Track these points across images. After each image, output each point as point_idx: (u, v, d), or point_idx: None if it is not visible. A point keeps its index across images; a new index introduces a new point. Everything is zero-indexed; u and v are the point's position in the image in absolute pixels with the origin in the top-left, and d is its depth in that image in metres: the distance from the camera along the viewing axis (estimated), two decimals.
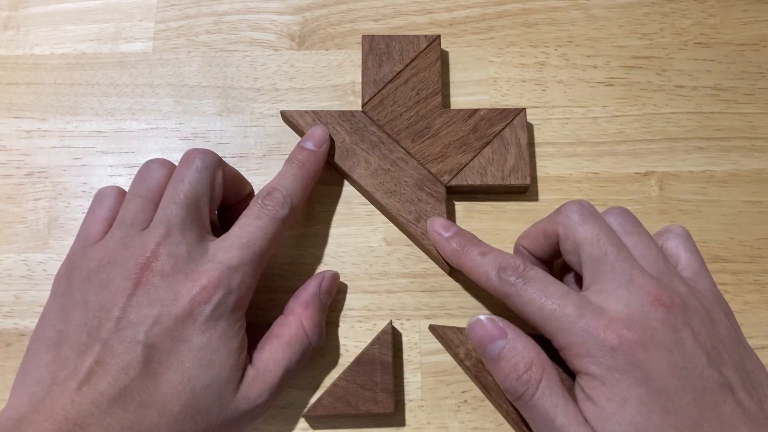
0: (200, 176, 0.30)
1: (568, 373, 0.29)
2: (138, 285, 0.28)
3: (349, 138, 0.36)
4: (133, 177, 0.37)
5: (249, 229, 0.30)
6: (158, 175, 0.31)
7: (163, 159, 0.32)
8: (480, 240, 0.32)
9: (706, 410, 0.25)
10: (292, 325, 0.31)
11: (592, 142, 0.38)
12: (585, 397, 0.27)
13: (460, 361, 0.33)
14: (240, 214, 0.31)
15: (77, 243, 0.31)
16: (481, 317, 0.30)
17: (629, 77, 0.39)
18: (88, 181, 0.37)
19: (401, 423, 0.33)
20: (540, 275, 0.29)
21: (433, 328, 0.34)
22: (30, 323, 0.35)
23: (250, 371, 0.29)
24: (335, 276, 0.34)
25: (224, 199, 0.33)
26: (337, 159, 0.36)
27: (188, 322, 0.28)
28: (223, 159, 0.37)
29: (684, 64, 0.39)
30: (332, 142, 0.35)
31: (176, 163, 0.32)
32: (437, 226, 0.33)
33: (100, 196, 0.32)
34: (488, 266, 0.30)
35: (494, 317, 0.30)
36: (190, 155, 0.31)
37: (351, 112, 0.36)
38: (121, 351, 0.27)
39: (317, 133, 0.35)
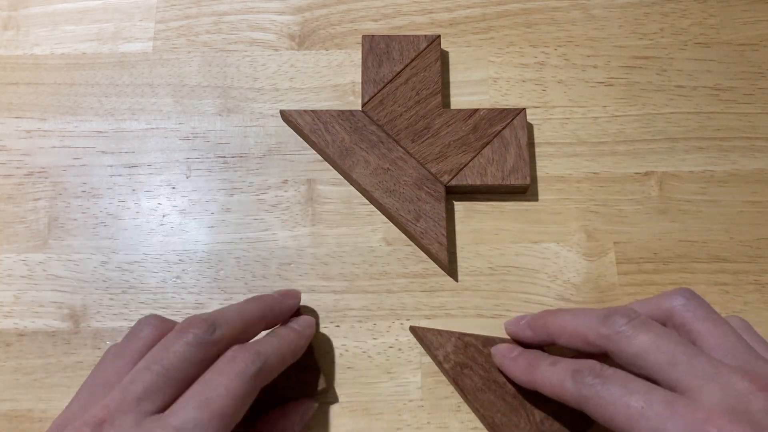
0: (189, 352, 0.27)
1: None
2: None
3: (349, 137, 0.36)
4: (132, 177, 0.37)
5: (210, 385, 0.26)
6: (144, 335, 0.29)
7: (155, 317, 0.30)
8: (547, 354, 0.30)
9: None
10: None
11: (592, 142, 0.38)
12: None
13: (439, 363, 0.33)
14: None
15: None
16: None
17: (629, 77, 0.39)
18: (88, 181, 0.37)
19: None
20: (619, 373, 0.26)
21: (413, 330, 0.34)
22: (30, 323, 0.35)
23: None
24: (314, 408, 0.32)
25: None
26: (337, 158, 0.36)
27: None
28: (222, 159, 0.36)
29: (684, 64, 0.39)
30: (317, 326, 0.34)
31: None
32: (502, 350, 0.31)
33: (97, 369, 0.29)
34: (562, 374, 0.27)
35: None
36: (186, 326, 0.28)
37: (350, 111, 0.36)
38: None
39: (305, 318, 0.33)
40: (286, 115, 0.36)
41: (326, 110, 0.36)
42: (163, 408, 0.26)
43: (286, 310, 0.33)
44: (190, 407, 0.25)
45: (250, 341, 0.29)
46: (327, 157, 0.36)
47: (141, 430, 0.25)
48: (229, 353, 0.27)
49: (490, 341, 0.33)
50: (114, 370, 0.27)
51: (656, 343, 0.26)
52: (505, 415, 0.31)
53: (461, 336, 0.33)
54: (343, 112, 0.36)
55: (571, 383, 0.27)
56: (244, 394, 0.26)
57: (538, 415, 0.31)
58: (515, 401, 0.31)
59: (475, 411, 0.32)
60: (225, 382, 0.26)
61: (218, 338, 0.28)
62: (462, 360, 0.32)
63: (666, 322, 0.28)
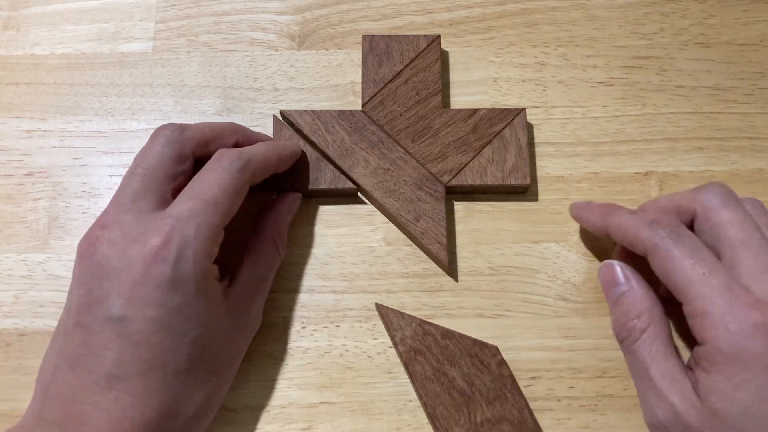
0: (163, 150, 0.30)
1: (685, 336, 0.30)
2: (90, 260, 0.28)
3: (349, 137, 0.36)
4: None
5: (201, 180, 0.29)
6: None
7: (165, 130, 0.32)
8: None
9: None
10: (265, 244, 0.33)
11: (592, 142, 0.38)
12: (702, 367, 0.27)
13: (395, 345, 0.33)
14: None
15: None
16: (614, 262, 0.31)
17: (629, 77, 0.39)
18: (88, 181, 0.37)
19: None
20: (694, 239, 0.28)
21: (378, 307, 0.34)
22: (30, 323, 0.35)
23: (235, 292, 0.30)
24: (299, 197, 0.35)
25: (208, 157, 0.32)
26: (337, 158, 0.36)
27: (149, 285, 0.27)
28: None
29: (684, 64, 0.39)
30: (307, 174, 0.35)
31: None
32: (581, 202, 0.34)
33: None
34: (639, 221, 0.29)
35: (624, 265, 0.31)
36: (156, 131, 0.31)
37: (350, 111, 0.36)
38: (98, 330, 0.27)
39: (290, 143, 0.35)
40: (285, 116, 0.36)
41: (326, 110, 0.36)
42: (157, 205, 0.29)
43: (256, 136, 0.34)
44: (184, 199, 0.28)
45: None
46: (327, 157, 0.36)
47: (141, 223, 0.28)
48: (215, 155, 0.30)
49: (448, 334, 0.33)
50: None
51: (737, 221, 0.28)
52: (447, 409, 0.32)
53: (422, 323, 0.33)
54: (343, 112, 0.36)
55: (647, 230, 0.28)
56: (233, 186, 0.29)
57: (480, 416, 0.32)
58: (460, 398, 0.32)
59: (420, 398, 0.32)
60: (213, 177, 0.29)
61: (188, 137, 0.31)
62: (417, 346, 0.33)
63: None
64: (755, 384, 0.25)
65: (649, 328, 0.29)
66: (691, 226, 0.30)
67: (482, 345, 0.33)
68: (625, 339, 0.30)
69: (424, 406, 0.32)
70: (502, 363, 0.33)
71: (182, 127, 0.31)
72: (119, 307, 0.27)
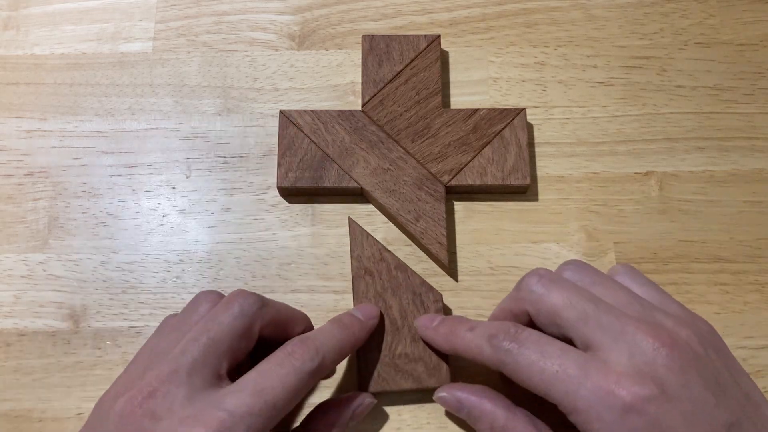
0: (233, 322, 0.27)
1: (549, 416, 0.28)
2: (128, 427, 0.25)
3: (349, 137, 0.36)
4: (132, 177, 0.37)
5: (267, 376, 0.26)
6: (203, 312, 0.29)
7: (214, 293, 0.30)
8: (467, 318, 0.31)
9: None
10: None
11: (592, 142, 0.38)
12: None
13: (351, 259, 0.34)
14: None
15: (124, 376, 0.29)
16: (442, 393, 0.30)
17: (629, 77, 0.39)
18: (88, 181, 0.37)
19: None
20: (534, 336, 0.27)
21: (350, 220, 0.35)
22: (30, 323, 0.35)
23: None
24: (372, 405, 0.31)
25: (272, 339, 0.30)
26: (337, 158, 0.36)
27: None
28: (222, 159, 0.37)
29: (684, 64, 0.39)
30: (381, 318, 0.33)
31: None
32: (423, 321, 0.32)
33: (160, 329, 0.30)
34: (479, 338, 0.28)
35: (452, 387, 0.30)
36: (232, 298, 0.28)
37: (350, 111, 0.36)
38: None
39: (368, 307, 0.32)
40: (285, 115, 0.36)
41: (326, 110, 0.36)
42: (212, 381, 0.26)
43: (371, 329, 0.32)
44: (245, 393, 0.25)
45: (311, 333, 0.29)
46: (327, 157, 0.36)
47: (192, 405, 0.25)
48: (289, 347, 0.27)
49: (402, 267, 0.34)
50: (169, 343, 0.28)
51: (568, 303, 0.27)
52: (373, 331, 0.32)
53: (383, 250, 0.34)
54: (343, 112, 0.36)
55: (488, 348, 0.27)
56: (298, 390, 0.27)
57: (400, 349, 0.32)
58: (390, 327, 0.33)
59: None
60: (281, 375, 0.26)
61: (263, 314, 0.28)
62: (370, 267, 0.34)
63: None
64: None
65: None
66: (533, 325, 0.29)
67: (429, 288, 0.34)
68: None
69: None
70: (440, 311, 0.33)
71: (260, 302, 0.29)
72: None
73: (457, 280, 0.35)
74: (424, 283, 0.34)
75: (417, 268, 0.35)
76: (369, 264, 0.34)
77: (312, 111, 0.36)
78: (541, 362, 0.26)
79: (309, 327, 0.32)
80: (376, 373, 0.32)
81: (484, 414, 0.29)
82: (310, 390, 0.31)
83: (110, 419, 0.25)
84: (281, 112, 0.36)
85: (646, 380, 0.24)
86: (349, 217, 0.35)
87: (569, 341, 0.27)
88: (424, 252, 0.35)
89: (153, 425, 0.25)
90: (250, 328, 0.28)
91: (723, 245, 0.36)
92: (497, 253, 0.36)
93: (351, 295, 0.35)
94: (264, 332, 0.29)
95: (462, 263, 0.35)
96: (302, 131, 0.36)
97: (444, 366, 0.32)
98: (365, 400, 0.31)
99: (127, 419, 0.25)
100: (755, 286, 0.35)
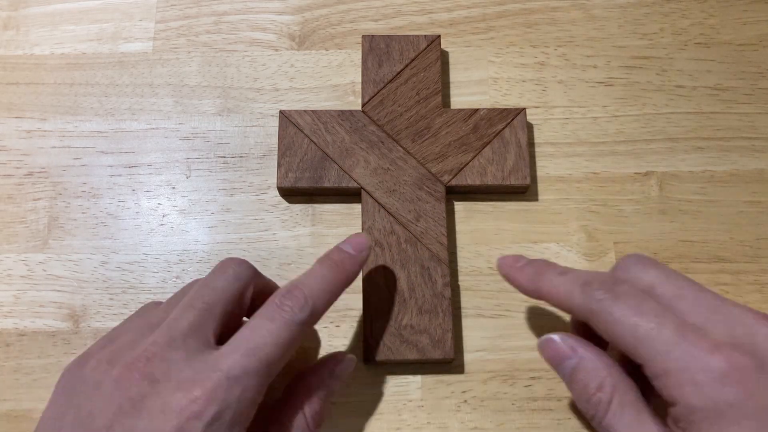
0: (227, 286, 0.28)
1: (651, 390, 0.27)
2: (126, 391, 0.24)
3: (349, 137, 0.36)
4: (132, 177, 0.37)
5: (259, 332, 0.26)
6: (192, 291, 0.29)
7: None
8: (556, 264, 0.30)
9: None
10: (295, 418, 0.28)
11: (592, 142, 0.38)
12: (681, 428, 0.24)
13: (362, 229, 0.34)
14: None
15: (99, 341, 0.28)
16: (552, 336, 0.28)
17: (629, 77, 0.39)
18: (88, 181, 0.37)
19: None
20: (632, 291, 0.26)
21: (363, 194, 0.35)
22: (30, 323, 0.35)
23: None
24: (353, 362, 0.31)
25: (252, 311, 0.29)
26: (337, 158, 0.36)
27: None
28: (222, 159, 0.37)
29: (684, 64, 0.39)
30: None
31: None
32: (507, 260, 0.30)
33: (146, 308, 0.30)
34: (570, 284, 0.27)
35: (565, 335, 0.28)
36: (225, 263, 0.29)
37: (350, 111, 0.36)
38: None
39: (358, 238, 0.31)
40: (285, 116, 0.36)
41: (326, 110, 0.36)
42: (207, 342, 0.26)
43: (362, 262, 0.31)
44: (239, 353, 0.25)
45: (299, 279, 0.28)
46: (327, 157, 0.36)
47: (191, 367, 0.25)
48: (277, 298, 0.27)
49: (412, 240, 0.34)
50: (160, 316, 0.28)
51: (664, 277, 0.26)
52: (380, 301, 0.33)
53: (394, 224, 0.34)
54: (343, 112, 0.36)
55: (580, 295, 0.26)
56: (291, 342, 0.26)
57: (406, 320, 0.33)
58: (397, 298, 0.33)
59: (363, 286, 0.34)
60: (272, 330, 0.26)
61: (256, 278, 0.29)
62: (380, 239, 0.34)
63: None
64: None
65: (614, 398, 0.25)
66: None
67: (438, 262, 0.34)
68: (593, 416, 0.26)
69: (363, 291, 0.33)
70: (447, 285, 0.33)
71: (252, 268, 0.29)
72: None
73: (457, 280, 0.35)
74: (433, 257, 0.34)
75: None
76: (379, 236, 0.34)
77: (312, 111, 0.36)
78: (636, 318, 0.25)
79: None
80: (381, 343, 0.32)
81: (597, 368, 0.26)
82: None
83: (104, 386, 0.25)
84: (281, 112, 0.36)
85: (745, 351, 0.23)
86: (363, 189, 0.35)
87: None
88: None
89: (151, 388, 0.24)
90: (243, 292, 0.28)
91: (723, 245, 0.36)
92: (497, 253, 0.36)
93: (351, 295, 0.35)
94: (255, 302, 0.29)
95: (462, 263, 0.35)
96: (302, 131, 0.36)
97: (449, 338, 0.33)
98: (344, 358, 0.30)
99: (124, 384, 0.25)
100: (755, 286, 0.35)
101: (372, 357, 0.32)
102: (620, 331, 0.25)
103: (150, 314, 0.29)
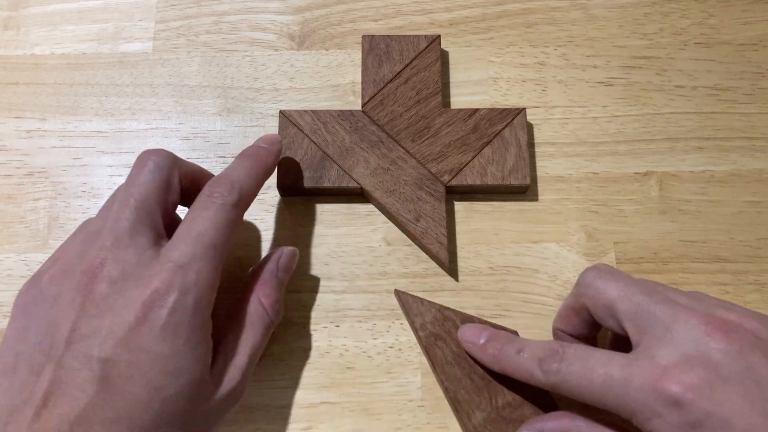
0: (153, 178, 0.29)
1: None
2: (86, 295, 0.26)
3: (349, 137, 0.36)
4: None
5: (197, 221, 0.28)
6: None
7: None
8: (514, 336, 0.31)
9: None
10: (252, 305, 0.30)
11: (592, 142, 0.38)
12: None
13: (415, 330, 0.33)
14: None
15: (46, 262, 0.29)
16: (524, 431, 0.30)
17: (629, 77, 0.39)
18: (88, 181, 0.37)
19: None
20: (579, 351, 0.27)
21: (397, 293, 0.34)
22: None
23: (219, 360, 0.28)
24: (293, 252, 0.33)
25: (186, 198, 0.31)
26: (337, 158, 0.36)
27: (144, 329, 0.25)
28: (222, 159, 0.37)
29: (684, 64, 0.39)
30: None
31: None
32: (468, 335, 0.32)
33: (83, 224, 0.31)
34: (529, 363, 0.28)
35: (530, 423, 0.29)
36: (143, 156, 0.30)
37: (350, 111, 0.36)
38: (76, 368, 0.25)
39: (268, 136, 0.33)
40: (286, 116, 0.36)
41: (326, 110, 0.36)
42: (155, 239, 0.28)
43: (277, 153, 0.33)
44: (184, 244, 0.27)
45: (222, 172, 0.30)
46: (327, 157, 0.36)
47: (141, 264, 0.27)
48: (206, 189, 0.29)
49: (468, 319, 0.33)
50: (98, 225, 0.29)
51: (623, 293, 0.27)
52: (468, 393, 0.32)
53: (442, 309, 0.33)
54: (343, 112, 0.36)
55: (539, 372, 0.28)
56: (229, 225, 0.29)
57: (501, 400, 0.32)
58: (481, 382, 0.32)
59: (440, 383, 0.32)
60: (209, 216, 0.28)
61: (175, 164, 0.30)
62: (437, 332, 0.33)
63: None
64: None
65: None
66: (595, 323, 0.30)
67: (501, 328, 0.33)
68: None
69: (446, 391, 0.32)
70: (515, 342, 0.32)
71: (171, 154, 0.30)
72: (108, 348, 0.25)
73: (457, 280, 0.35)
74: (495, 325, 0.33)
75: (417, 268, 0.35)
76: (435, 329, 0.33)
77: (312, 111, 0.36)
78: (588, 375, 0.26)
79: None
80: None
81: (566, 430, 0.28)
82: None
83: (63, 296, 0.26)
84: (281, 112, 0.36)
85: (694, 367, 0.24)
86: (396, 290, 0.34)
87: (627, 335, 0.27)
88: (424, 252, 0.35)
89: (111, 289, 0.26)
90: (170, 179, 0.29)
91: (723, 245, 0.36)
92: (497, 253, 0.36)
93: (351, 295, 0.35)
94: (184, 183, 0.30)
95: (462, 263, 0.35)
96: (302, 131, 0.36)
97: (548, 398, 0.32)
98: (284, 250, 0.32)
99: (83, 290, 0.26)
100: (755, 286, 0.35)
101: None
102: (580, 392, 0.26)
103: (88, 226, 0.30)
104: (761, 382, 0.23)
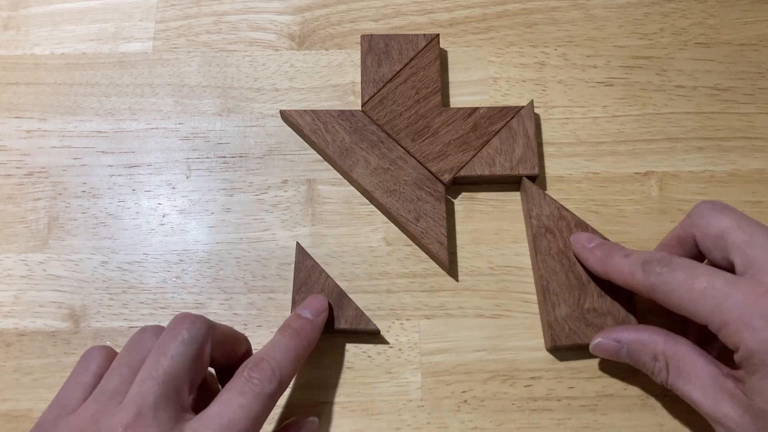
0: (185, 350, 0.27)
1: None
2: None
3: (349, 137, 0.36)
4: (132, 177, 0.37)
5: (231, 407, 0.26)
6: (150, 345, 0.28)
7: (156, 327, 0.29)
8: (623, 246, 0.32)
9: None
10: None
11: (592, 142, 0.38)
12: (743, 372, 0.26)
13: (528, 218, 0.35)
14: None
15: (51, 409, 0.27)
16: (598, 338, 0.31)
17: (629, 77, 0.39)
18: (88, 181, 0.37)
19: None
20: (686, 262, 0.28)
21: (523, 182, 0.35)
22: (30, 323, 0.35)
23: None
24: (315, 424, 0.31)
25: (217, 362, 0.30)
26: (337, 158, 0.36)
27: None
28: (222, 159, 0.37)
29: (684, 64, 0.39)
30: (330, 312, 0.33)
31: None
32: (581, 240, 0.33)
33: (86, 357, 0.29)
34: (633, 265, 0.29)
35: (607, 331, 0.31)
36: (178, 323, 0.28)
37: (351, 111, 0.36)
38: None
39: (316, 301, 0.32)
40: (286, 115, 0.36)
41: (326, 110, 0.36)
42: (177, 414, 0.26)
43: (322, 325, 0.32)
44: (212, 430, 0.25)
45: (265, 351, 0.29)
46: (327, 157, 0.36)
47: None
48: (246, 371, 0.27)
49: (582, 224, 0.34)
50: (119, 380, 0.27)
51: (736, 224, 0.28)
52: (560, 287, 0.33)
53: (561, 208, 0.35)
54: (343, 112, 0.36)
55: (640, 273, 0.29)
56: (262, 414, 0.27)
57: (588, 303, 0.33)
58: (576, 282, 0.33)
59: (536, 271, 0.34)
60: (244, 404, 0.26)
61: (210, 336, 0.28)
62: (550, 225, 0.34)
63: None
64: None
65: (670, 362, 0.29)
66: (698, 255, 0.30)
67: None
68: (661, 382, 0.29)
69: (540, 278, 0.34)
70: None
71: (207, 324, 0.28)
72: None
73: (457, 280, 0.35)
74: (604, 238, 0.34)
75: (417, 268, 0.35)
76: (549, 222, 0.34)
77: (312, 111, 0.36)
78: (689, 281, 0.27)
79: (250, 348, 0.32)
80: (567, 328, 0.33)
81: (645, 345, 0.30)
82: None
83: None
84: (281, 112, 0.36)
85: None
86: (524, 178, 0.35)
87: (732, 270, 0.28)
88: (424, 251, 0.35)
89: None
90: (202, 352, 0.28)
91: None
92: (497, 253, 0.36)
93: (351, 295, 0.35)
94: (212, 354, 0.28)
95: (462, 263, 0.35)
96: (302, 131, 0.36)
97: (633, 319, 0.33)
98: (306, 422, 0.31)
99: None
100: None
101: (558, 342, 0.32)
102: (678, 297, 0.27)
103: (105, 380, 0.28)
104: None
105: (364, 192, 0.36)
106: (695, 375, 0.28)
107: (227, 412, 0.26)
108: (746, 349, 0.25)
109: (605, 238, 0.34)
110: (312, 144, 0.37)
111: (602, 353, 0.31)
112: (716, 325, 0.26)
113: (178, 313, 0.33)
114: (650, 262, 0.29)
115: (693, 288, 0.27)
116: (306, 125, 0.36)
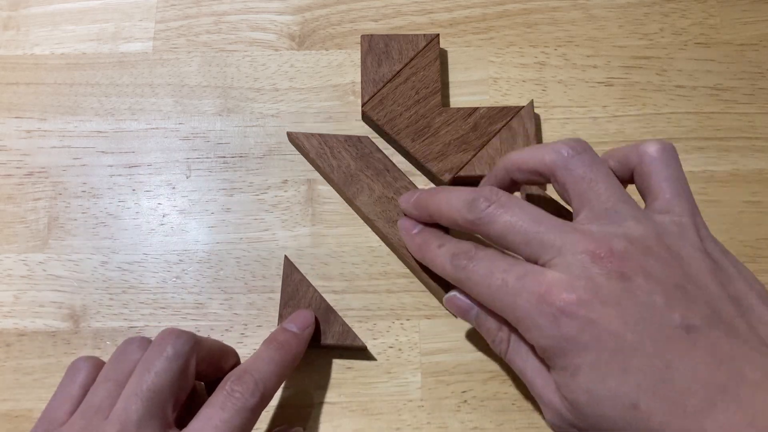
0: (170, 367, 0.27)
1: None
2: None
3: (354, 164, 0.36)
4: (132, 177, 0.37)
5: (212, 422, 0.26)
6: (135, 358, 0.28)
7: (142, 339, 0.29)
8: (443, 233, 0.32)
9: (674, 359, 0.23)
10: None
11: (592, 142, 0.37)
12: (546, 367, 0.26)
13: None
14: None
15: (40, 423, 0.27)
16: (454, 292, 0.30)
17: (629, 77, 0.39)
18: (88, 181, 0.37)
19: None
20: (489, 253, 0.28)
21: (290, 135, 0.36)
22: (30, 323, 0.35)
23: None
24: None
25: (205, 376, 0.30)
26: (341, 184, 0.35)
27: None
28: (222, 159, 0.37)
29: (684, 64, 0.39)
30: (317, 327, 0.33)
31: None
32: (406, 225, 0.33)
33: (73, 369, 0.29)
34: (444, 256, 0.29)
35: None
36: (163, 340, 0.28)
37: (357, 137, 0.36)
38: None
39: (302, 316, 0.32)
40: (293, 138, 0.36)
41: (333, 135, 0.36)
42: (161, 430, 0.26)
43: (307, 339, 0.32)
44: None
45: (248, 364, 0.29)
46: (331, 182, 0.36)
47: None
48: (227, 385, 0.27)
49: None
50: (104, 395, 0.27)
51: (512, 225, 0.27)
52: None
53: (560, 207, 0.33)
54: (350, 137, 0.36)
55: (450, 266, 0.29)
56: (245, 427, 0.27)
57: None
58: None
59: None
60: (225, 419, 0.26)
61: (195, 351, 0.28)
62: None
63: (550, 178, 0.29)
64: (587, 366, 0.24)
65: (512, 336, 0.28)
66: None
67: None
68: (500, 353, 0.29)
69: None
70: None
71: (192, 339, 0.28)
72: None
73: None
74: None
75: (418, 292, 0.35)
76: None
77: (319, 135, 0.36)
78: (488, 277, 0.27)
79: (238, 361, 0.32)
80: None
81: (495, 314, 0.29)
82: None
83: None
84: (288, 134, 0.36)
85: (576, 287, 0.25)
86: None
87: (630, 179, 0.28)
88: (423, 284, 0.35)
89: None
90: (187, 367, 0.28)
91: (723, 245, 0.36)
92: None
93: (351, 295, 0.35)
94: (198, 368, 0.28)
95: None
96: (308, 155, 0.36)
97: None
98: (291, 431, 0.31)
99: None
100: None
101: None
102: (478, 293, 0.28)
103: (92, 394, 0.28)
104: (637, 304, 0.24)
105: (367, 220, 0.36)
106: (531, 355, 0.27)
107: (208, 428, 0.26)
108: (539, 346, 0.26)
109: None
110: (317, 168, 0.36)
111: (454, 309, 0.30)
112: (513, 323, 0.26)
113: (177, 313, 0.34)
114: (458, 255, 0.28)
115: (490, 284, 0.27)
116: (312, 149, 0.36)
